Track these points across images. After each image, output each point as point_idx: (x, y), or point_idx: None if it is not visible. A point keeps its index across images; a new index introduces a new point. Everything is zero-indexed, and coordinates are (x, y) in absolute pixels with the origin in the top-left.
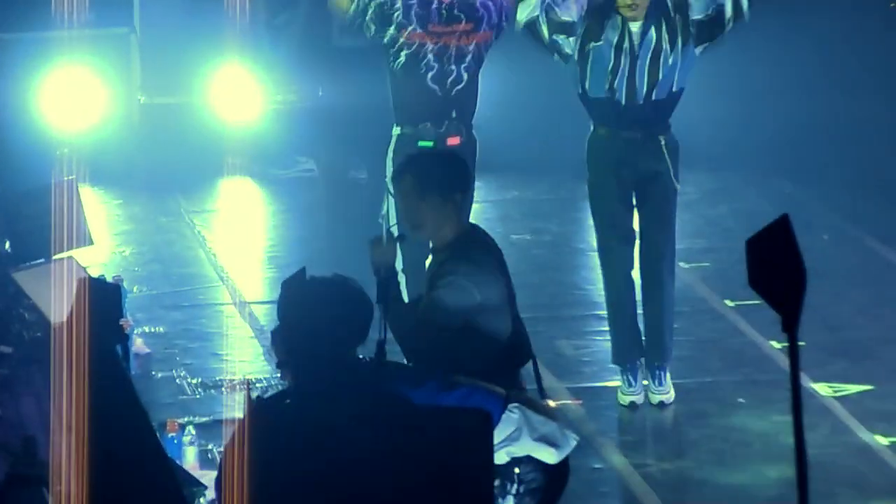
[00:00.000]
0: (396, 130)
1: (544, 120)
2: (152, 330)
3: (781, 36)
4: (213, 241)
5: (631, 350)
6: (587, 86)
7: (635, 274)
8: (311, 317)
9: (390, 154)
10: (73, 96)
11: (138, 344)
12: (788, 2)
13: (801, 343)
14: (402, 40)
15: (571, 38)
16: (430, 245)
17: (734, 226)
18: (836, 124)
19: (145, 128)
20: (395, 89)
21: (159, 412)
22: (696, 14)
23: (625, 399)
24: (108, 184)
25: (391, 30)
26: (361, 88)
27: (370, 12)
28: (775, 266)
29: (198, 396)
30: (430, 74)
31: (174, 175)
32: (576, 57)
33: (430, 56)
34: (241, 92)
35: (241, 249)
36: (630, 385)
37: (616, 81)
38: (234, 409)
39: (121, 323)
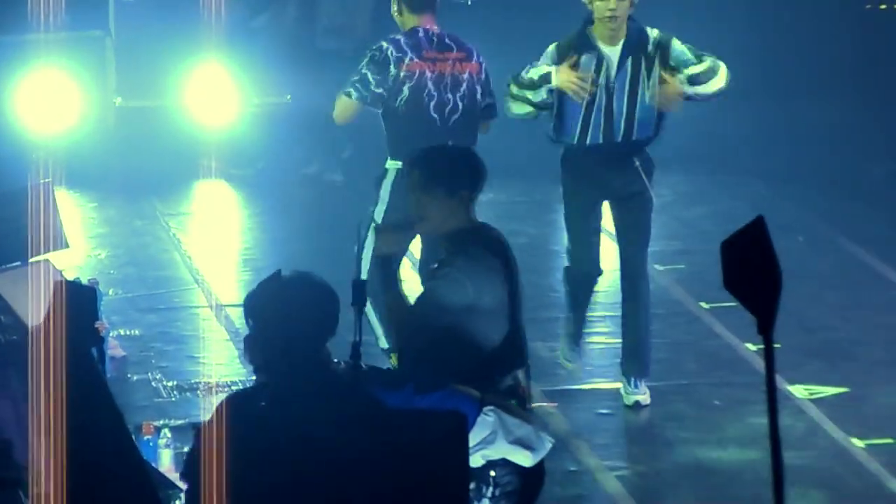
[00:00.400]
0: (393, 164)
1: (517, 121)
2: (128, 333)
3: (754, 37)
4: (189, 243)
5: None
6: (562, 130)
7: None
8: (280, 316)
9: (387, 187)
10: (49, 99)
11: (114, 347)
12: (762, 2)
13: (776, 345)
14: (402, 74)
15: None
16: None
17: (709, 228)
18: (810, 126)
19: (121, 131)
20: (393, 125)
21: (135, 415)
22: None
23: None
24: (84, 187)
25: (392, 69)
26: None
27: (369, 75)
28: (751, 268)
29: (173, 399)
30: (431, 104)
31: (149, 178)
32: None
33: (430, 84)
34: (216, 94)
35: (217, 252)
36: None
37: (592, 124)
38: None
39: (96, 326)
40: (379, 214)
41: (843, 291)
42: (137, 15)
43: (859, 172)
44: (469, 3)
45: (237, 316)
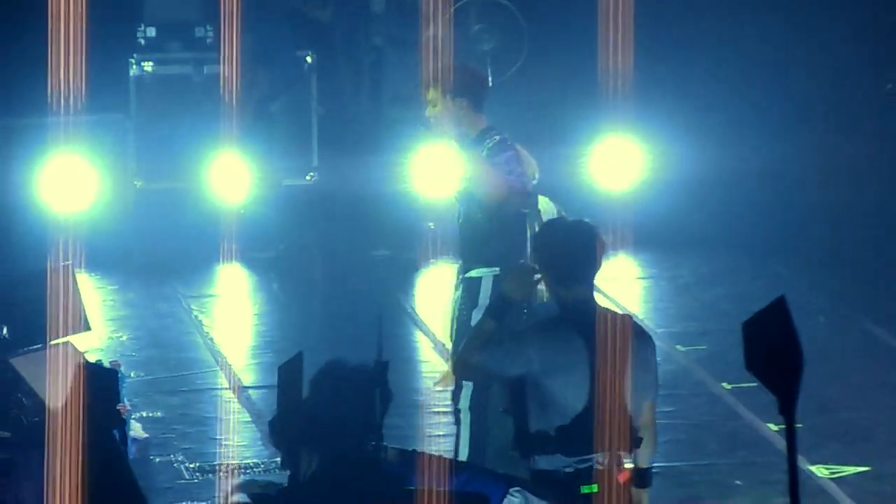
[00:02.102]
0: (490, 271)
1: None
2: (150, 415)
3: (777, 121)
4: (210, 325)
5: None
6: None
7: None
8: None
9: (484, 293)
10: (70, 181)
11: (136, 429)
12: (786, 85)
13: (798, 425)
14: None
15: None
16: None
17: (729, 308)
18: (827, 209)
19: (141, 213)
20: (503, 233)
21: (158, 497)
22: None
23: None
24: (105, 269)
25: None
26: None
27: None
28: (772, 348)
29: (196, 481)
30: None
31: (170, 260)
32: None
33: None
34: (236, 176)
35: (238, 334)
36: None
37: None
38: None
39: (118, 408)
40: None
41: (863, 372)
42: (157, 96)
43: (879, 254)
44: (491, 84)
45: (258, 397)
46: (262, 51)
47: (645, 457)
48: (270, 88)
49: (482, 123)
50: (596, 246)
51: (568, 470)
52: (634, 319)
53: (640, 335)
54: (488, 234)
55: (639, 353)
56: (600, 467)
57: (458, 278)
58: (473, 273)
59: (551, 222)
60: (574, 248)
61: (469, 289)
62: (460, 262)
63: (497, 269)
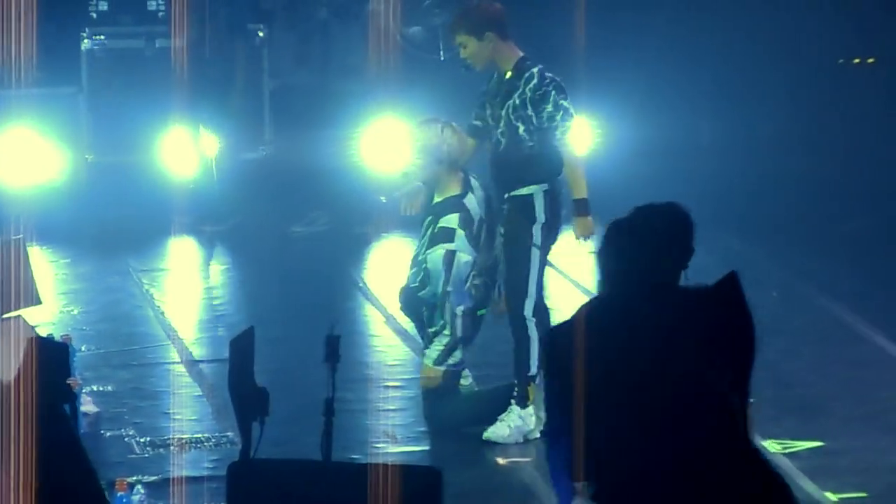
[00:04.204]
0: (541, 187)
1: None
2: (101, 389)
3: (729, 93)
4: (162, 299)
5: None
6: None
7: None
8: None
9: (540, 208)
10: (22, 155)
11: (87, 403)
12: (736, 57)
13: (751, 400)
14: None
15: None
16: None
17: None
18: (782, 181)
19: (93, 187)
20: (551, 152)
21: (108, 471)
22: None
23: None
24: (57, 243)
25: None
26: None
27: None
28: (724, 323)
29: (147, 455)
30: None
31: (123, 234)
32: None
33: None
34: (187, 150)
35: (189, 308)
36: None
37: None
38: (184, 467)
39: (69, 382)
40: (537, 232)
41: (817, 346)
42: (109, 70)
43: (833, 227)
44: (443, 58)
45: (210, 372)
46: (215, 24)
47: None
48: (223, 62)
49: (515, 52)
50: (685, 229)
51: None
52: None
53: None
54: (538, 154)
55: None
56: None
57: (493, 199)
58: (524, 190)
59: (644, 206)
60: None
61: (523, 205)
62: (492, 183)
63: (546, 185)
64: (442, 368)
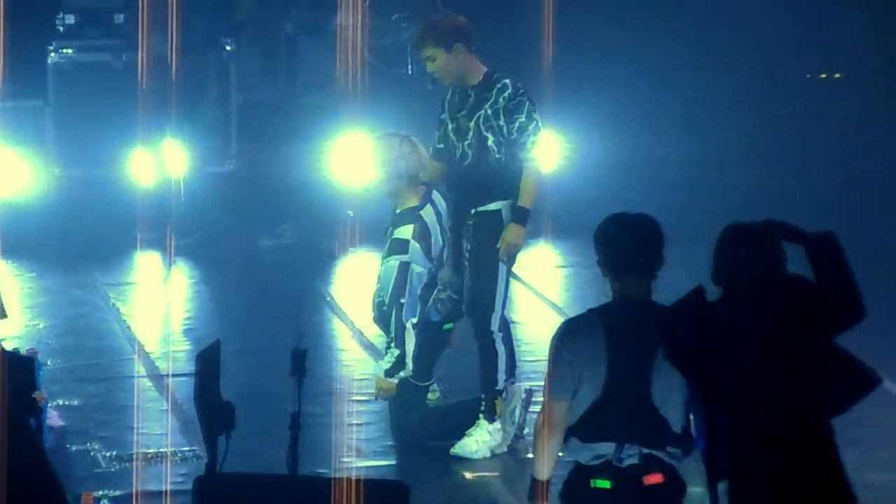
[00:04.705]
0: (508, 203)
1: None
2: (67, 403)
3: (697, 108)
4: (128, 313)
5: None
6: None
7: None
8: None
9: (507, 222)
10: None
11: (53, 417)
12: (705, 72)
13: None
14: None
15: None
16: None
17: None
18: (746, 194)
19: (60, 200)
20: (516, 167)
21: (74, 485)
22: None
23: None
24: (23, 256)
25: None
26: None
27: None
28: (692, 337)
29: (113, 469)
30: None
31: (89, 248)
32: None
33: None
34: (154, 164)
35: (155, 322)
36: None
37: None
38: (150, 481)
39: (35, 396)
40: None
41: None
42: (76, 83)
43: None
44: (410, 72)
45: (176, 385)
46: (182, 38)
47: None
48: (190, 76)
49: (481, 66)
50: (654, 242)
51: (584, 461)
52: None
53: None
54: (506, 170)
55: None
56: (619, 464)
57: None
58: (491, 206)
59: (614, 215)
60: (627, 242)
61: (490, 220)
62: (458, 199)
63: (512, 199)
64: (394, 381)
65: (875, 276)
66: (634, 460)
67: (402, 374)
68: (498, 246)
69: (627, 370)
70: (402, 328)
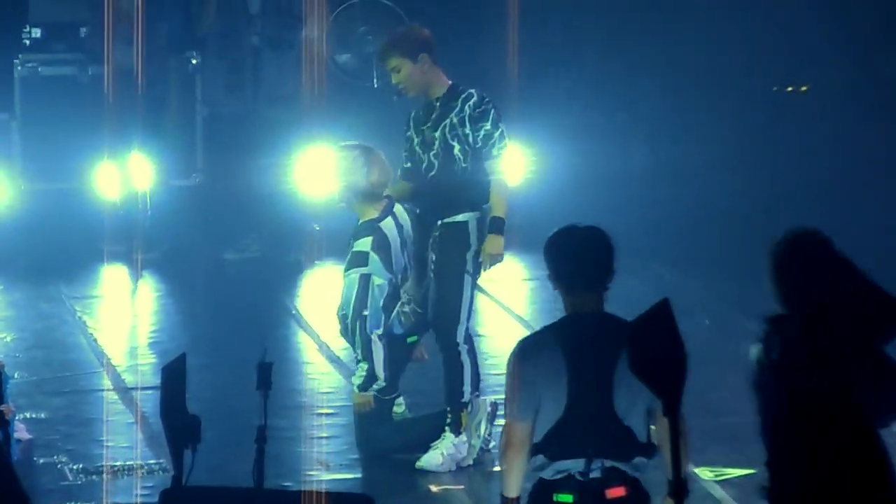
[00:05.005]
0: (474, 215)
1: None
2: (34, 416)
3: (662, 122)
4: (94, 326)
5: None
6: None
7: None
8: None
9: (474, 235)
10: None
11: (20, 430)
12: (670, 86)
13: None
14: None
15: None
16: None
17: (615, 309)
18: (712, 210)
19: (26, 213)
20: (483, 178)
21: (41, 498)
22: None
23: None
24: None
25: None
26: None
27: None
28: (657, 350)
29: (80, 483)
30: None
31: (55, 261)
32: None
33: None
34: (120, 177)
35: (122, 335)
36: None
37: None
38: (116, 494)
39: (2, 409)
40: (470, 259)
41: (747, 374)
42: (42, 97)
43: (764, 254)
44: (376, 85)
45: (143, 399)
46: (148, 52)
47: (673, 468)
48: (156, 89)
49: (446, 78)
50: (604, 254)
51: (546, 476)
52: None
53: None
54: (472, 181)
55: None
56: (581, 478)
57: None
58: (458, 217)
59: (563, 229)
60: (577, 255)
61: (457, 232)
62: (424, 210)
63: (478, 212)
64: (370, 394)
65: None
66: (597, 474)
67: (375, 386)
68: (480, 260)
69: (588, 385)
70: (367, 341)
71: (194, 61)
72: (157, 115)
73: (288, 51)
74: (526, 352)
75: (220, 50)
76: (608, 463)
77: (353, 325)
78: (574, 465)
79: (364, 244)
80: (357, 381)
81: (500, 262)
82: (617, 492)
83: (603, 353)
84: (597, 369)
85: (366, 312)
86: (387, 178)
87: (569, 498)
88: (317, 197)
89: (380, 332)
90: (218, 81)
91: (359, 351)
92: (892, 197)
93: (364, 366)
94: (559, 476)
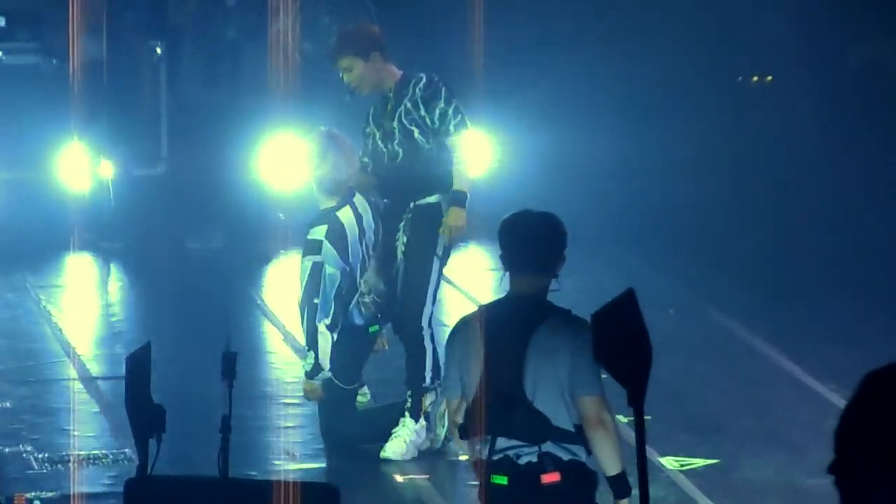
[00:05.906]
0: (446, 196)
1: None
2: None
3: (627, 112)
4: (59, 316)
5: None
6: None
7: None
8: None
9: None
10: None
11: None
12: (635, 77)
13: (647, 417)
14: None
15: None
16: None
17: (581, 299)
18: (679, 199)
19: None
20: (447, 159)
21: (6, 487)
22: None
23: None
24: None
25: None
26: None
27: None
28: (621, 340)
29: (45, 471)
30: None
31: (19, 250)
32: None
33: None
34: (84, 166)
35: (87, 324)
36: None
37: None
38: (82, 483)
39: None
40: (440, 242)
41: (713, 363)
42: (6, 85)
43: (729, 245)
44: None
45: (108, 388)
46: (113, 41)
47: (608, 464)
48: (120, 78)
49: (397, 70)
50: (547, 239)
51: (484, 457)
52: (573, 314)
53: (574, 328)
54: (438, 161)
55: (566, 346)
56: (517, 461)
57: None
58: (431, 199)
59: (515, 213)
60: (518, 238)
61: (429, 213)
62: (393, 198)
63: (449, 194)
64: (317, 382)
65: (829, 279)
66: (533, 458)
67: (321, 375)
68: (441, 232)
69: (500, 365)
70: (314, 330)
71: (159, 51)
72: (121, 104)
73: (254, 41)
74: (455, 329)
75: (186, 39)
76: (544, 448)
77: (301, 311)
78: (500, 444)
79: (318, 232)
80: (306, 367)
81: (461, 233)
82: (552, 477)
83: (518, 335)
84: (509, 350)
85: (316, 301)
86: (350, 167)
87: (503, 480)
88: (281, 186)
89: (328, 321)
90: (183, 71)
91: (306, 339)
92: (856, 186)
93: (311, 354)
94: (496, 457)
